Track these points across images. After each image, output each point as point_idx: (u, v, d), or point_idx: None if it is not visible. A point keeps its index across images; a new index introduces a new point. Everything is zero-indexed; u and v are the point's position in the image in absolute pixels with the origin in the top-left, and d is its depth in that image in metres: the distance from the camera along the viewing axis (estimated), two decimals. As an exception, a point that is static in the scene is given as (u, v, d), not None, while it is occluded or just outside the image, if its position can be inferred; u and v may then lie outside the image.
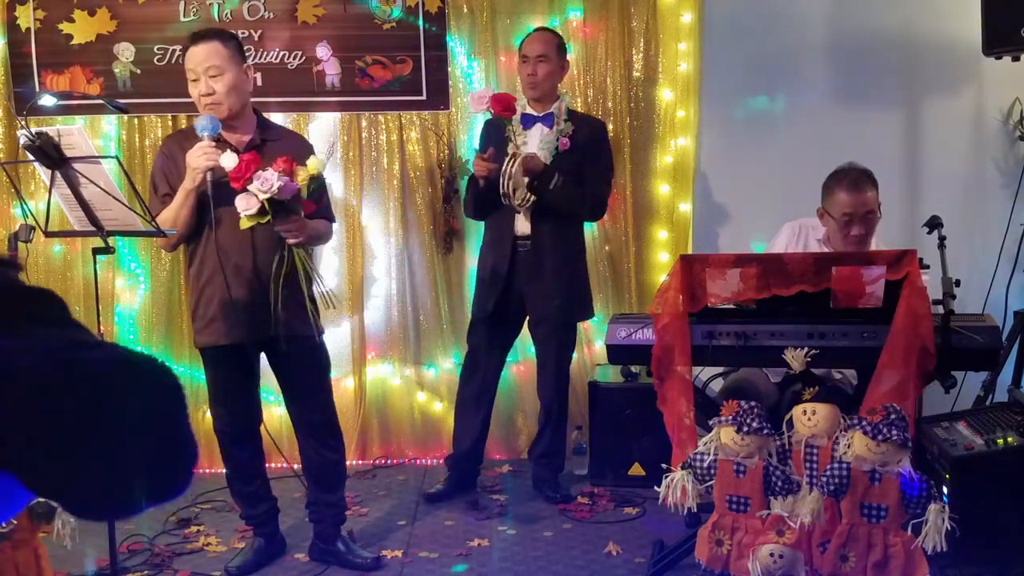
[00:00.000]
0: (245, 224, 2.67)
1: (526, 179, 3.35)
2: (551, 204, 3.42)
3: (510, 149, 3.35)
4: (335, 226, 4.02)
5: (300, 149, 2.81)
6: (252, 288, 2.81)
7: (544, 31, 3.64)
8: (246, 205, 2.61)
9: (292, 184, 2.62)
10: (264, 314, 2.79)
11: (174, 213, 2.77)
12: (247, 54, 3.97)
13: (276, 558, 3.10)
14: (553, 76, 3.52)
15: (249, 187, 2.58)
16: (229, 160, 2.63)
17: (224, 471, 3.09)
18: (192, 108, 3.96)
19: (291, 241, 2.72)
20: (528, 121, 3.49)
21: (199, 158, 2.66)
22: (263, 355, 3.00)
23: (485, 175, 3.35)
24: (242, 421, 2.97)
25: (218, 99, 2.76)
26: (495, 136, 3.49)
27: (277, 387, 3.08)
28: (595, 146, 3.54)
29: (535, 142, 3.47)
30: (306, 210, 2.73)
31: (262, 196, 2.57)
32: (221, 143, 2.75)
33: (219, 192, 2.69)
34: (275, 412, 4.02)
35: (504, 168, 3.27)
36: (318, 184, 2.76)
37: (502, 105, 3.28)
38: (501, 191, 3.30)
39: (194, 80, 2.78)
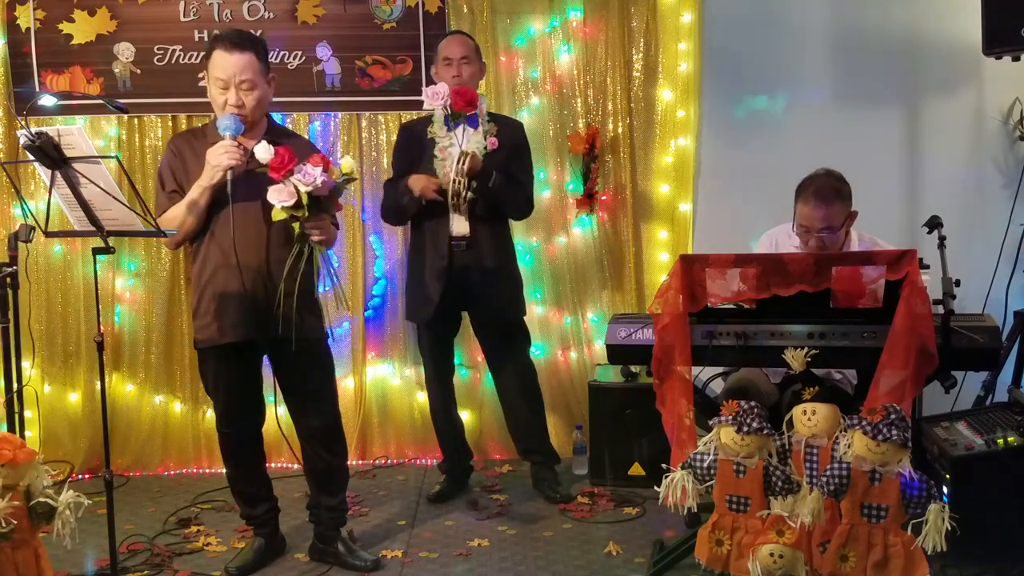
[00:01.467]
0: (278, 216, 2.63)
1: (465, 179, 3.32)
2: (491, 202, 3.42)
3: (440, 152, 3.37)
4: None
5: (305, 151, 2.80)
6: (257, 286, 2.79)
7: (463, 34, 3.64)
8: (283, 197, 2.58)
9: (331, 180, 2.62)
10: (268, 313, 2.77)
11: (184, 210, 2.75)
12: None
13: (276, 558, 3.10)
14: (475, 77, 3.52)
15: (291, 179, 2.57)
16: (265, 151, 2.61)
17: (225, 471, 3.09)
18: (192, 109, 4.03)
19: (315, 238, 2.69)
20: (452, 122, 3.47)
21: (221, 156, 2.66)
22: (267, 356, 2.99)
23: (436, 191, 3.33)
24: (243, 422, 2.97)
25: (245, 112, 2.77)
26: (416, 140, 3.49)
27: (272, 387, 3.05)
28: (518, 146, 3.56)
29: (462, 143, 3.43)
30: (335, 208, 2.74)
31: (304, 189, 2.56)
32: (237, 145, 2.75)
33: (234, 190, 2.69)
34: (275, 412, 4.03)
35: (456, 168, 3.24)
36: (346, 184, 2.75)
37: (464, 99, 3.24)
38: (452, 191, 3.26)
39: (223, 88, 2.76)
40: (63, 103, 3.86)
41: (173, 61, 4.01)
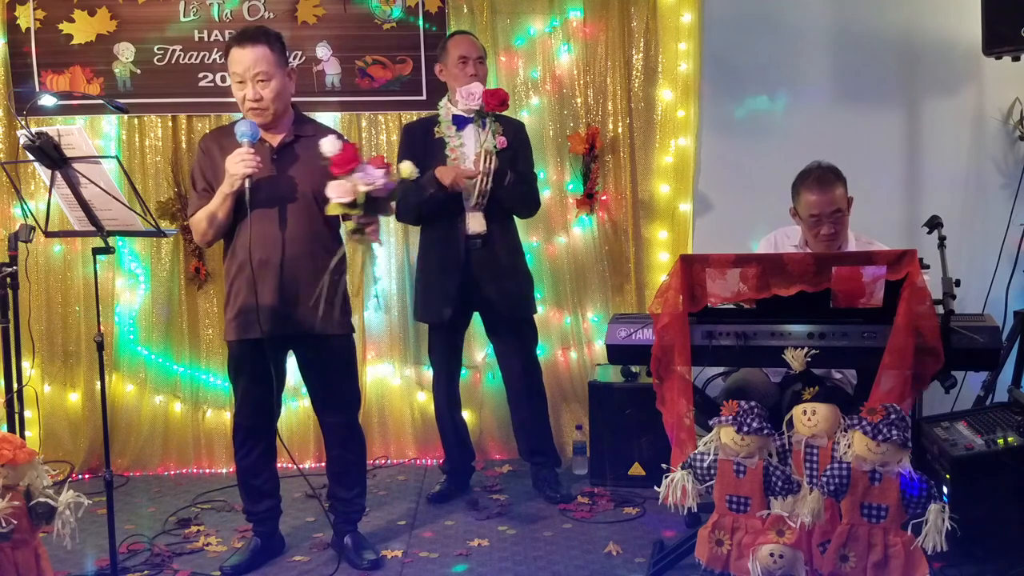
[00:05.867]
0: (333, 211, 2.66)
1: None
2: (504, 201, 3.44)
3: (451, 152, 3.40)
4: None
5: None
6: (276, 285, 2.83)
7: (472, 35, 3.64)
8: (340, 193, 2.60)
9: (391, 183, 2.63)
10: (289, 311, 2.83)
11: (210, 213, 2.82)
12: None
13: (273, 558, 3.10)
14: (486, 77, 3.54)
15: (351, 177, 2.58)
16: (331, 146, 2.63)
17: (232, 468, 3.08)
18: (192, 109, 4.04)
19: (372, 239, 2.72)
20: (460, 122, 3.46)
21: (238, 165, 2.70)
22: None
23: (463, 184, 3.35)
24: (257, 416, 2.98)
25: (264, 105, 2.82)
26: (419, 140, 3.49)
27: (290, 386, 3.08)
28: (522, 145, 3.57)
29: (472, 142, 3.44)
30: (388, 212, 2.76)
31: (364, 189, 2.58)
32: (260, 143, 2.80)
33: (254, 194, 2.73)
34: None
35: (483, 167, 3.30)
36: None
37: (498, 99, 3.31)
38: (478, 189, 3.31)
39: (240, 83, 2.81)
40: (63, 103, 3.86)
41: (173, 61, 4.01)
